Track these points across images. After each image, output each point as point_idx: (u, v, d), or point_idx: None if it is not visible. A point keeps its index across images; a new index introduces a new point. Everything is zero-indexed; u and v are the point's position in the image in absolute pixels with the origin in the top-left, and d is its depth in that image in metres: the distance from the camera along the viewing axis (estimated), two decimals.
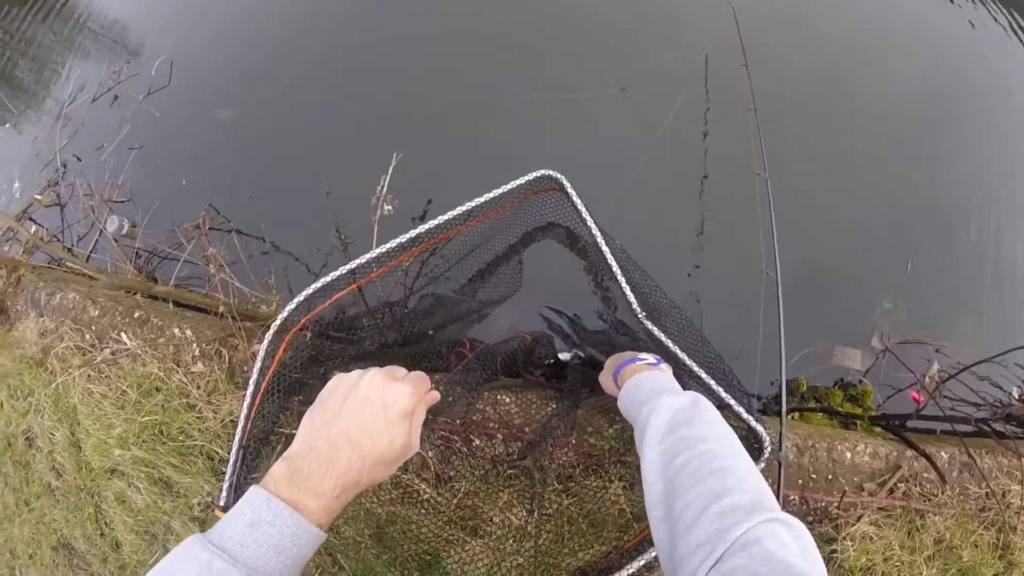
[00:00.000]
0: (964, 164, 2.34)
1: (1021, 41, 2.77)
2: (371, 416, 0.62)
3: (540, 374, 1.58)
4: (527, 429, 1.38)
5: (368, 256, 1.47)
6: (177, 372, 1.81)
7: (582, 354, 1.69)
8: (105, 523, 2.13)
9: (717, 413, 0.81)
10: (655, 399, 0.84)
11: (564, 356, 1.67)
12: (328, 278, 1.49)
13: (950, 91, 2.53)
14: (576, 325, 1.85)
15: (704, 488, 0.64)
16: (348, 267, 1.49)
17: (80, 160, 2.61)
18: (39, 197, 2.54)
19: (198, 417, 1.77)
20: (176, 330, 1.85)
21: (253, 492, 0.57)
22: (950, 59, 2.66)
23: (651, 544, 1.23)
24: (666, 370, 1.03)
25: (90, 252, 2.39)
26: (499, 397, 1.42)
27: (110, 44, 2.93)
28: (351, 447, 0.60)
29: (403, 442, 0.63)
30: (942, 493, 1.65)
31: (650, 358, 1.04)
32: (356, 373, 0.66)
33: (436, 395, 0.74)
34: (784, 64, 2.40)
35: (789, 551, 0.53)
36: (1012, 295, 2.14)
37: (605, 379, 1.16)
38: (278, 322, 1.50)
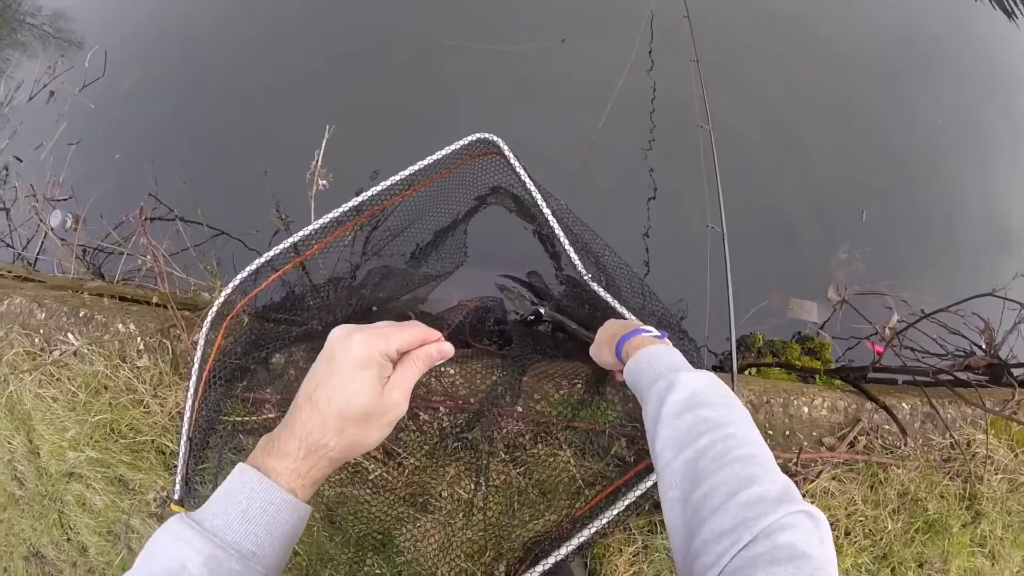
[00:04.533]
0: (920, 113, 2.31)
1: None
2: (326, 372, 0.59)
3: (489, 343, 1.54)
4: (472, 400, 1.35)
5: (307, 230, 1.43)
6: (123, 368, 1.76)
7: (543, 311, 1.63)
8: (70, 527, 2.11)
9: (735, 396, 0.79)
10: (673, 375, 0.81)
11: (541, 310, 1.61)
12: (263, 258, 1.44)
13: (907, 40, 2.49)
14: (535, 287, 1.81)
15: (730, 474, 0.63)
16: (287, 243, 1.44)
17: (21, 161, 2.53)
18: None
19: (146, 412, 1.72)
20: (120, 325, 1.80)
21: (236, 466, 0.57)
22: (908, 7, 2.61)
23: (603, 510, 1.20)
24: (670, 343, 0.99)
25: (38, 254, 2.32)
26: (443, 368, 1.38)
27: (47, 37, 2.84)
28: (310, 406, 0.58)
29: (366, 397, 0.58)
30: (904, 445, 1.63)
31: (654, 331, 1.00)
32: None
33: (438, 350, 0.65)
34: (731, 12, 2.34)
35: (810, 543, 0.55)
36: (969, 243, 2.12)
37: (602, 351, 1.09)
38: (215, 308, 1.45)
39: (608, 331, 1.10)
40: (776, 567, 0.52)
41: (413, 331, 0.63)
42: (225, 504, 0.54)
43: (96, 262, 2.14)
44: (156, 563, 0.51)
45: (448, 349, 0.66)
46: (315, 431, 0.57)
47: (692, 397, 0.76)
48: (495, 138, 1.43)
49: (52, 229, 2.16)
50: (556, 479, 1.30)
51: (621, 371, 1.06)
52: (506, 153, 1.42)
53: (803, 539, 0.55)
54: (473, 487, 1.30)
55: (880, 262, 1.98)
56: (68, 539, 2.12)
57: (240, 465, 0.56)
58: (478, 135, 1.42)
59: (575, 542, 1.14)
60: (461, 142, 1.42)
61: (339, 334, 0.61)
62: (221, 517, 0.53)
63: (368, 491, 1.35)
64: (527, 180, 1.41)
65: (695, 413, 0.73)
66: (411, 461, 1.34)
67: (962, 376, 1.75)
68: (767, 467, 0.65)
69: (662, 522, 1.47)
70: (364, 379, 0.58)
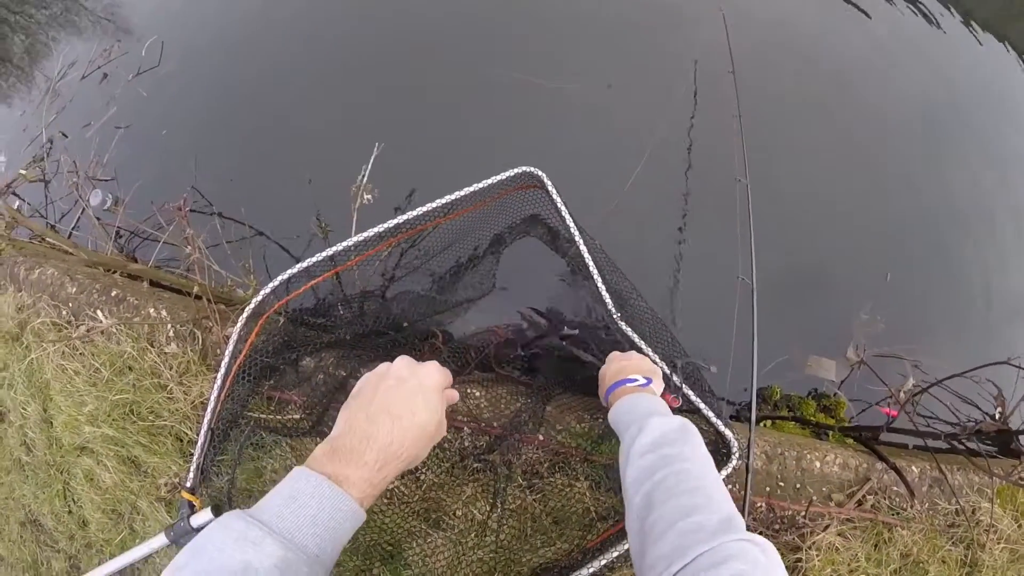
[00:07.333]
0: (949, 180, 2.36)
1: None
2: (407, 390, 0.66)
3: (512, 369, 1.57)
4: (495, 424, 1.38)
5: (347, 243, 1.46)
6: (150, 352, 1.79)
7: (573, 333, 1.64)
8: (73, 500, 2.11)
9: (701, 440, 0.83)
10: (645, 420, 0.87)
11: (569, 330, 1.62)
12: (306, 263, 1.48)
13: (941, 109, 2.54)
14: (554, 322, 1.84)
15: (676, 504, 0.67)
16: (327, 252, 1.48)
17: (66, 137, 2.59)
18: (24, 172, 2.51)
19: (169, 397, 1.75)
20: (151, 310, 1.84)
21: (295, 470, 0.59)
22: (945, 78, 2.67)
23: (613, 544, 1.22)
24: (656, 389, 1.07)
25: (72, 229, 2.37)
26: (468, 390, 1.42)
27: (102, 22, 2.91)
28: (391, 419, 0.63)
29: (440, 415, 0.69)
30: (911, 507, 1.65)
31: (640, 379, 1.06)
32: (383, 365, 0.72)
33: (455, 394, 0.81)
34: (774, 70, 2.40)
35: (758, 571, 0.55)
36: (989, 311, 2.15)
37: (600, 391, 1.18)
38: (252, 305, 1.49)
39: (606, 373, 1.16)
40: None
41: (448, 374, 0.77)
42: (293, 508, 0.55)
43: (130, 246, 2.18)
44: (213, 561, 0.50)
45: (454, 396, 0.82)
46: (395, 442, 0.61)
47: (659, 438, 0.81)
48: (539, 172, 1.47)
49: (91, 207, 2.21)
50: (570, 509, 1.32)
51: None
52: (549, 188, 1.46)
53: (750, 567, 0.55)
54: (488, 508, 1.32)
55: (901, 325, 2.01)
56: (69, 511, 2.12)
57: (302, 470, 0.58)
58: (523, 168, 1.46)
59: (584, 572, 1.16)
60: (507, 173, 1.45)
61: (405, 362, 0.71)
62: (289, 520, 0.54)
63: (383, 502, 1.38)
64: (567, 217, 1.44)
65: (657, 452, 0.78)
66: (429, 476, 1.37)
67: (972, 445, 1.77)
68: (711, 498, 0.68)
69: None
70: (440, 401, 0.69)
